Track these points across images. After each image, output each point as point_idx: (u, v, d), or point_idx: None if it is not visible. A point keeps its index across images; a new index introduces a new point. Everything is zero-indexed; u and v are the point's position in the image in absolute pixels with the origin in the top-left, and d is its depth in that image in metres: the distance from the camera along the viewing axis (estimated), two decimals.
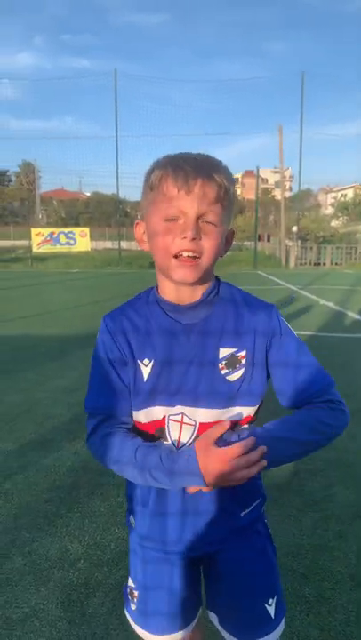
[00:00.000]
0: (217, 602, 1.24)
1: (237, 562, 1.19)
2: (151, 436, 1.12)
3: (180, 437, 1.09)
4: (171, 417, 1.09)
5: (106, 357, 1.13)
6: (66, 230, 25.50)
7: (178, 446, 1.09)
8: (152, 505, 1.15)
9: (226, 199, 1.02)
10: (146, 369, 1.10)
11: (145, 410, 1.11)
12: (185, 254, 1.01)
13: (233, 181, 1.05)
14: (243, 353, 1.09)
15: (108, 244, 35.18)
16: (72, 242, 24.53)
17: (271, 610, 1.20)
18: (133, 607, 1.25)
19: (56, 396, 4.64)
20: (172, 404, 1.09)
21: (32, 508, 2.78)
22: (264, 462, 1.00)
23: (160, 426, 1.10)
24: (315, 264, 23.76)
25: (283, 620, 1.23)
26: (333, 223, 30.51)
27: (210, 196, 0.99)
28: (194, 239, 1.00)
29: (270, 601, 1.20)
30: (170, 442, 1.10)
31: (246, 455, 0.98)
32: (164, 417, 1.09)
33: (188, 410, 1.08)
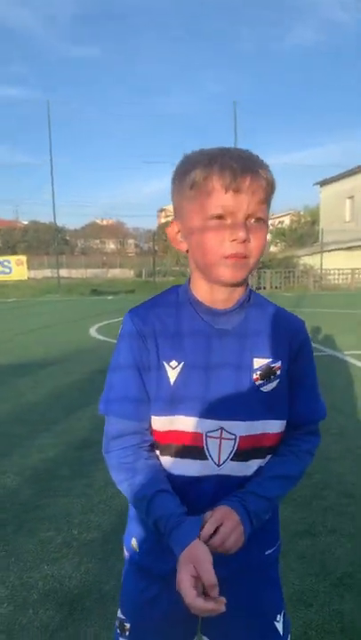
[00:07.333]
0: (216, 624, 1.11)
1: (243, 583, 1.09)
2: (174, 448, 1.02)
3: (219, 454, 1.01)
4: (209, 434, 1.01)
5: (130, 358, 1.04)
6: (1, 259, 24.80)
7: (219, 464, 1.02)
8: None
9: (271, 195, 0.98)
10: (173, 371, 1.02)
11: (167, 417, 1.02)
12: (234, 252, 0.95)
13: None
14: (278, 364, 1.04)
15: (48, 273, 34.57)
16: (7, 270, 23.84)
17: (279, 626, 1.14)
18: None
19: None
20: (204, 416, 1.00)
21: None
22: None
23: (196, 444, 1.01)
24: (256, 288, 24.42)
25: (289, 636, 1.17)
26: (272, 249, 31.57)
27: (259, 194, 0.94)
28: (245, 241, 0.94)
29: (278, 617, 1.14)
30: (210, 461, 1.01)
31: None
32: (201, 435, 1.01)
33: (226, 423, 1.01)
